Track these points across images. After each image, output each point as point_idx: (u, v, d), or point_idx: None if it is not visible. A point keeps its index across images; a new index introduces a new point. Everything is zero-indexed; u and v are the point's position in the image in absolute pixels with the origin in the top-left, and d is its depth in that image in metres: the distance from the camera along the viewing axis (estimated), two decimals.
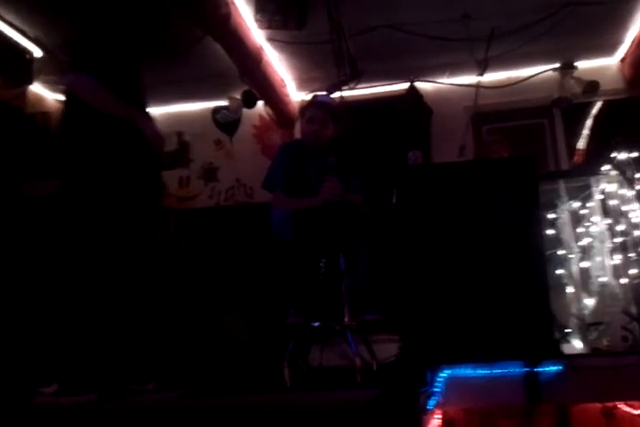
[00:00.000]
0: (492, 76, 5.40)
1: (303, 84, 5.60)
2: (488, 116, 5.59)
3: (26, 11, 4.32)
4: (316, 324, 2.90)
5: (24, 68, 4.60)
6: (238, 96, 5.35)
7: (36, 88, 5.21)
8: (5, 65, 4.44)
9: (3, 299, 3.41)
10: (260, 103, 5.53)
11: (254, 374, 3.04)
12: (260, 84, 5.09)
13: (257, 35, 4.71)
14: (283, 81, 5.55)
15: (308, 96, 4.11)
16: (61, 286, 2.65)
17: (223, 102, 5.82)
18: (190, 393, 2.60)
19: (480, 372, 2.53)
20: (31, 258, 3.55)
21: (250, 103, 5.12)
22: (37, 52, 4.71)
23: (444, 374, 2.54)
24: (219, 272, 3.97)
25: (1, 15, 4.32)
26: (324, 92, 3.58)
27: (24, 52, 4.60)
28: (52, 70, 4.74)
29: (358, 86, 4.23)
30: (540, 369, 2.54)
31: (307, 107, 3.49)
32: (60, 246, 2.75)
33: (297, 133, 5.48)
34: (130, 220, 2.72)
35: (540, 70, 5.44)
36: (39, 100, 5.33)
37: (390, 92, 5.73)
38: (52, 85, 5.22)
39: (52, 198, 3.17)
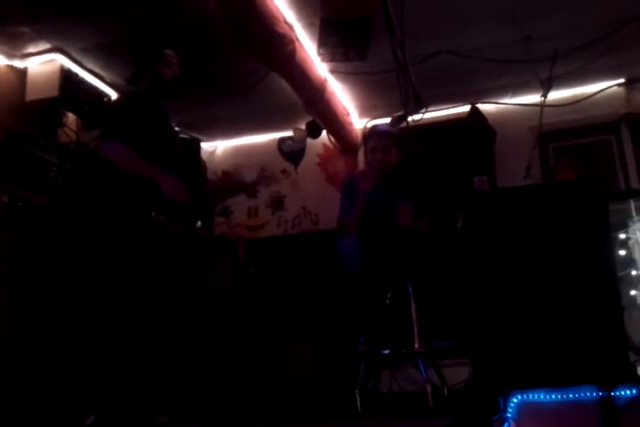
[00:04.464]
0: (557, 95, 5.29)
1: (366, 111, 5.69)
2: (554, 134, 5.49)
3: (103, 58, 4.55)
4: (386, 351, 2.93)
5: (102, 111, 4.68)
6: (303, 127, 5.49)
7: None
8: (86, 109, 4.57)
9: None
10: (324, 133, 5.64)
11: (325, 401, 3.08)
12: (323, 114, 5.16)
13: (320, 67, 4.80)
14: (346, 109, 5.65)
15: (370, 124, 4.16)
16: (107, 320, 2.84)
17: (289, 133, 5.98)
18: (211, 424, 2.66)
19: (553, 397, 2.49)
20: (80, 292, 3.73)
21: (314, 133, 5.21)
22: (114, 95, 4.86)
23: (516, 399, 2.52)
24: (289, 300, 4.06)
25: (82, 63, 4.56)
26: (384, 121, 3.64)
27: (102, 95, 4.76)
28: None
29: (420, 111, 4.26)
30: (616, 394, 2.48)
31: (368, 137, 3.57)
32: (108, 282, 2.96)
33: (360, 160, 5.56)
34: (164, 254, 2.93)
35: (605, 86, 5.35)
36: None
37: (453, 115, 5.73)
38: None
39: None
